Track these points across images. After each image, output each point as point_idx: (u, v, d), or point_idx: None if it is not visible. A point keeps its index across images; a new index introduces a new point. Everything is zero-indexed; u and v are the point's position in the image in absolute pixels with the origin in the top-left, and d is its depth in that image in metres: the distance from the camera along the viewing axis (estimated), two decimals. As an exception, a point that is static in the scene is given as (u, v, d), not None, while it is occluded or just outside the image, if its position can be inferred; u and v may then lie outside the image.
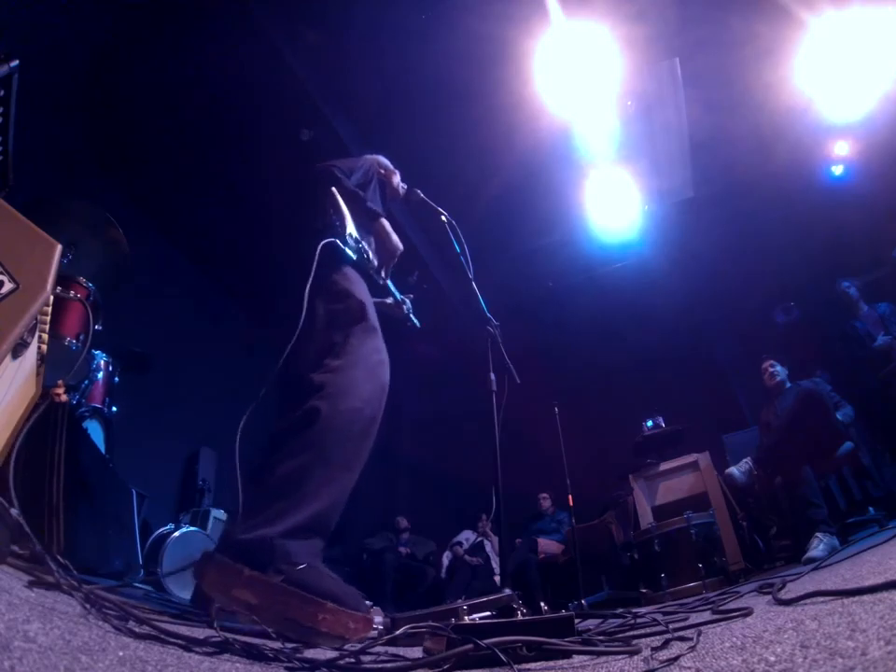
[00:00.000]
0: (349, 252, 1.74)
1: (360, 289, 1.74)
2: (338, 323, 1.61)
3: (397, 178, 2.24)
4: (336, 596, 1.20)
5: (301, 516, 1.27)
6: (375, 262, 1.93)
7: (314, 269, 1.55)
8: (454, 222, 2.20)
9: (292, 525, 1.25)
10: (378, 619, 1.32)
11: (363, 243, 1.82)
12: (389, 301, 2.09)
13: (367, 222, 1.94)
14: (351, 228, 1.77)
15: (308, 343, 1.53)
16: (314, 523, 1.30)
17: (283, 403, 1.50)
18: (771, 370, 3.85)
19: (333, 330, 1.60)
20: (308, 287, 1.52)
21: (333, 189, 1.79)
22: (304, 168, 2.09)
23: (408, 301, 2.19)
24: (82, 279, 2.50)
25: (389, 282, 2.05)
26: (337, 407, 1.44)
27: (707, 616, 1.28)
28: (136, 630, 0.79)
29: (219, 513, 3.41)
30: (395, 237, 1.98)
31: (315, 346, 1.56)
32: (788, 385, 3.79)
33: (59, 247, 1.07)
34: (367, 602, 1.35)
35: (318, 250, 1.59)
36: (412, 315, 2.21)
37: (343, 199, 1.79)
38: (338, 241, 1.70)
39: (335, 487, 1.38)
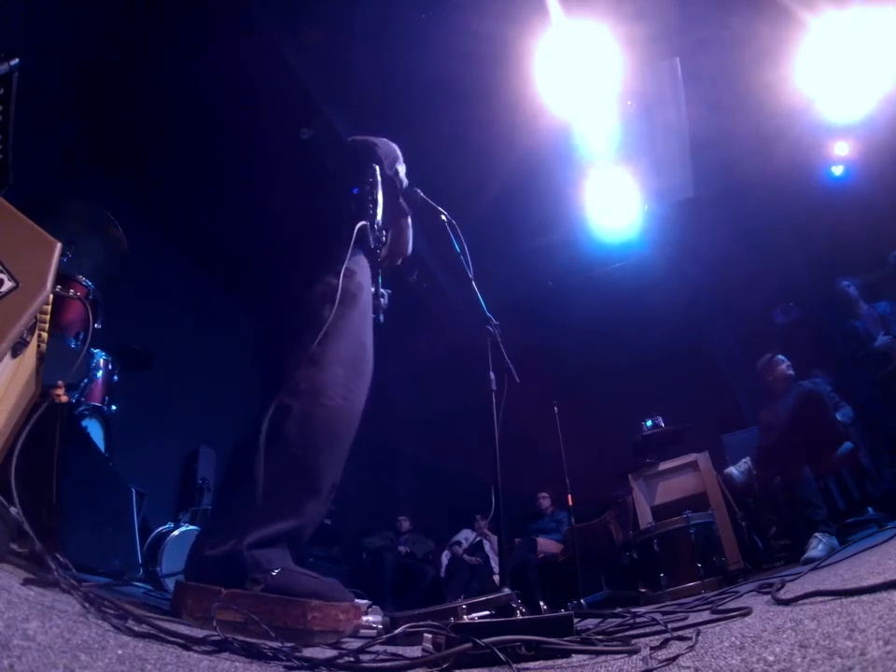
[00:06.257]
0: (371, 240, 1.69)
1: (364, 273, 1.70)
2: (330, 298, 1.54)
3: (403, 169, 2.18)
4: (318, 592, 1.20)
5: (270, 529, 1.23)
6: (383, 254, 1.88)
7: (350, 248, 1.51)
8: (454, 221, 2.20)
9: (261, 536, 1.21)
10: (377, 618, 1.32)
11: (383, 232, 1.79)
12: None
13: (391, 214, 1.89)
14: (380, 215, 1.72)
15: (296, 315, 1.48)
16: (283, 535, 1.26)
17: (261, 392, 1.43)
18: (787, 370, 3.65)
19: (324, 305, 1.52)
20: (344, 266, 1.48)
21: (376, 166, 1.75)
22: (305, 167, 2.07)
23: (386, 295, 2.11)
24: (82, 277, 2.50)
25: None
26: (312, 406, 1.36)
27: (706, 616, 1.28)
28: (135, 629, 0.79)
29: (219, 512, 3.40)
30: (411, 240, 1.95)
31: (300, 320, 1.50)
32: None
33: (59, 246, 1.07)
34: (364, 601, 1.34)
35: (356, 231, 1.55)
36: (381, 312, 2.15)
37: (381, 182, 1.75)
38: (368, 226, 1.65)
39: (309, 499, 1.31)
